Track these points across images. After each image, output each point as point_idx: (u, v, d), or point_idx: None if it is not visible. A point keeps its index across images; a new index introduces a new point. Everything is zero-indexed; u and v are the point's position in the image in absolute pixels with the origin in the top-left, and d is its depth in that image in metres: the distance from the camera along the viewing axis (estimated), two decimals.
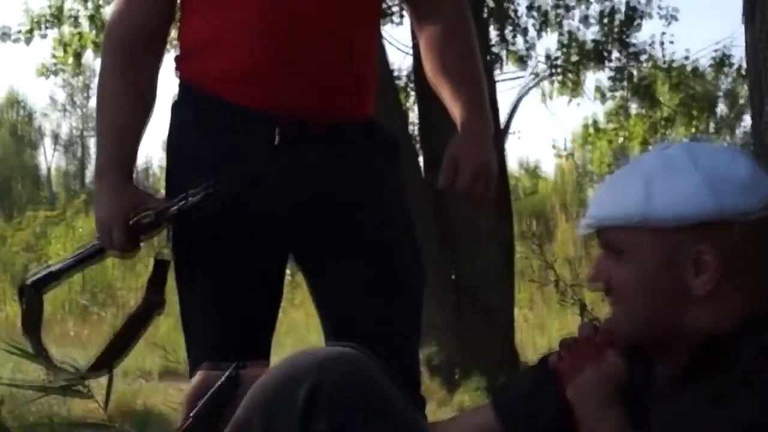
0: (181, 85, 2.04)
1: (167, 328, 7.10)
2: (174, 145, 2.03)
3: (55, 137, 34.67)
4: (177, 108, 2.04)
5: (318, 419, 1.38)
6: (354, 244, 2.04)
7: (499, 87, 6.87)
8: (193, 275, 2.02)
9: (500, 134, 6.30)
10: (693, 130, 8.71)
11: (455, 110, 2.12)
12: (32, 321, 2.01)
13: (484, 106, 2.12)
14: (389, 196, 2.10)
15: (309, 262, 2.08)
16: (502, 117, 6.54)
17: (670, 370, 1.47)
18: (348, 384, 1.41)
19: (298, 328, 8.01)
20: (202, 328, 2.02)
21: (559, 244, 10.65)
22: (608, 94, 7.57)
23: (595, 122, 8.17)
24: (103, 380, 2.75)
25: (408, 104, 6.62)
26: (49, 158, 31.58)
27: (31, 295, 2.01)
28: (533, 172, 15.47)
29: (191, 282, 2.03)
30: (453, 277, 5.91)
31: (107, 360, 1.99)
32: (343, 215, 2.03)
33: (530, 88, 7.40)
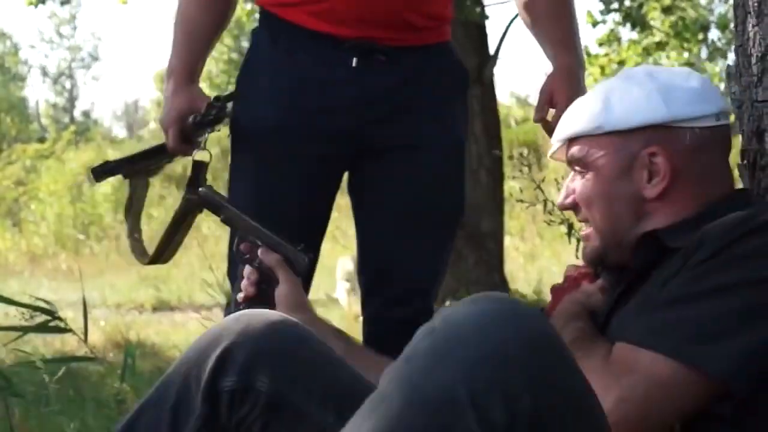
0: (260, 12, 2.12)
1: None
2: (250, 68, 2.10)
3: (43, 70, 34.41)
4: (255, 34, 2.13)
5: (226, 375, 1.35)
6: (409, 175, 2.06)
7: (489, 12, 6.77)
8: (247, 171, 2.08)
9: (489, 60, 6.22)
10: (685, 55, 8.63)
11: (547, 47, 2.12)
12: (132, 205, 2.16)
13: (576, 42, 2.14)
14: (451, 128, 2.11)
15: (363, 183, 2.10)
16: (492, 43, 6.45)
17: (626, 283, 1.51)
18: (268, 347, 1.37)
19: None
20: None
21: (549, 172, 10.63)
22: (600, 19, 7.47)
23: (586, 48, 8.08)
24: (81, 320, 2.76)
25: None
26: (38, 92, 31.36)
27: (136, 181, 2.15)
28: (524, 102, 15.38)
29: (243, 179, 2.08)
30: None
31: (159, 255, 2.09)
32: (406, 142, 2.06)
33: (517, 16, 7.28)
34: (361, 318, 2.18)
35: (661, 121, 1.50)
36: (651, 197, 1.50)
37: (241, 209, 1.82)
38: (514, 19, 6.46)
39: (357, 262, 2.19)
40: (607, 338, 1.43)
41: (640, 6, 7.13)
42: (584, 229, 1.59)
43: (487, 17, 6.40)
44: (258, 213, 1.83)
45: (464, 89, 2.17)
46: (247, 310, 1.48)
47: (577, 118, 1.56)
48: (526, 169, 3.71)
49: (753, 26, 1.64)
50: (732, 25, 1.71)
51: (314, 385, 1.39)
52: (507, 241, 8.88)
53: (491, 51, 6.35)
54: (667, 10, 7.13)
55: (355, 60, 2.02)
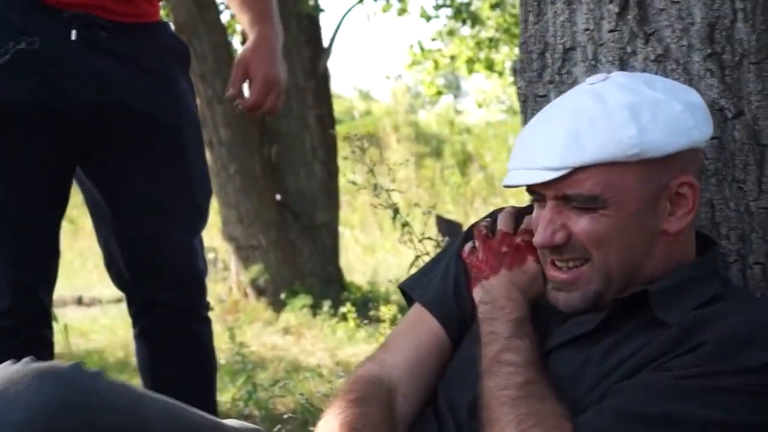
0: None
1: None
2: None
3: None
4: None
5: None
6: (143, 153, 2.03)
7: (324, 4, 6.79)
8: None
9: (323, 53, 6.25)
10: (516, 50, 8.88)
11: (243, 20, 2.11)
12: None
13: (273, 16, 2.11)
14: (179, 106, 2.08)
15: (96, 168, 2.05)
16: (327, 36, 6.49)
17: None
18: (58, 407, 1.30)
19: None
20: None
21: (391, 164, 10.76)
22: (433, 14, 7.61)
23: (420, 43, 8.23)
24: None
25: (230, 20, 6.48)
26: None
27: None
28: (366, 95, 15.53)
29: None
30: (277, 197, 5.89)
31: None
32: (134, 123, 2.01)
33: (353, 7, 7.35)
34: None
35: (697, 145, 1.36)
36: (672, 231, 1.36)
37: None
38: (348, 11, 6.52)
39: (109, 257, 2.15)
40: (549, 375, 1.33)
41: (470, 2, 7.31)
42: (565, 271, 1.38)
43: (321, 10, 6.43)
44: None
45: (187, 66, 2.14)
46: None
47: (597, 140, 1.31)
48: (359, 151, 3.71)
49: (533, 24, 1.72)
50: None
51: None
52: (347, 233, 8.95)
53: (325, 44, 6.38)
54: (495, 6, 7.33)
55: (74, 33, 1.97)
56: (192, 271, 2.10)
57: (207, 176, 2.15)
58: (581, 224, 1.34)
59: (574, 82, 1.64)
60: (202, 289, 2.14)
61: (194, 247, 2.11)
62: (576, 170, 1.31)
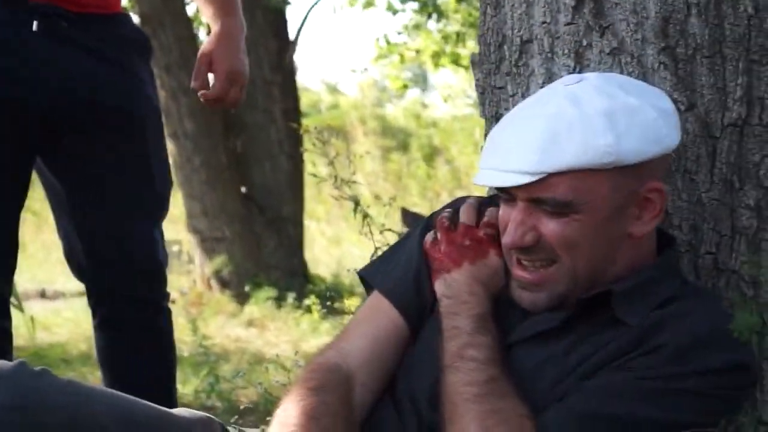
0: None
1: None
2: None
3: None
4: None
5: None
6: (103, 144, 2.03)
7: None
8: None
9: (289, 46, 6.25)
10: None
11: (207, 12, 2.11)
12: None
13: (237, 8, 2.12)
14: (140, 96, 2.08)
15: (57, 159, 2.04)
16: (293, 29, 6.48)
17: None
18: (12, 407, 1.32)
19: None
20: None
21: (357, 158, 10.78)
22: (399, 7, 7.62)
23: (386, 36, 8.22)
24: None
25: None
26: None
27: None
28: (334, 89, 15.51)
29: None
30: (243, 189, 5.88)
31: None
32: (95, 114, 2.01)
33: (319, 0, 7.34)
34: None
35: (668, 151, 1.38)
36: (638, 235, 1.38)
37: None
38: (314, 5, 6.52)
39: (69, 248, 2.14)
40: (510, 371, 1.35)
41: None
42: (532, 272, 1.39)
43: (288, 3, 6.42)
44: None
45: (148, 57, 2.14)
46: None
47: (573, 147, 1.31)
48: (320, 144, 3.70)
49: (491, 17, 1.74)
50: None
51: None
52: (313, 226, 8.95)
53: (292, 37, 6.37)
54: (461, 1, 7.35)
55: (36, 23, 1.95)
56: (152, 262, 2.10)
57: (168, 167, 2.15)
58: (551, 227, 1.35)
59: (531, 74, 1.67)
60: (162, 280, 2.14)
61: (154, 238, 2.11)
62: (550, 175, 1.31)
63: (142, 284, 2.10)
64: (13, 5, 1.95)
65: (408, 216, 6.26)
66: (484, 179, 1.38)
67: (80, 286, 2.27)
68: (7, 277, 2.06)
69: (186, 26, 5.84)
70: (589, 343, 1.35)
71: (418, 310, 1.49)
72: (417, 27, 8.13)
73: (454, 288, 1.43)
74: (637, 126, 1.33)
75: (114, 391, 1.44)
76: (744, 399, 1.41)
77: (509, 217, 1.38)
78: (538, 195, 1.33)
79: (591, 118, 1.32)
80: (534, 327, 1.40)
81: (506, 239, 1.38)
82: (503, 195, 1.40)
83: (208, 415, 1.53)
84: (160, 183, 2.11)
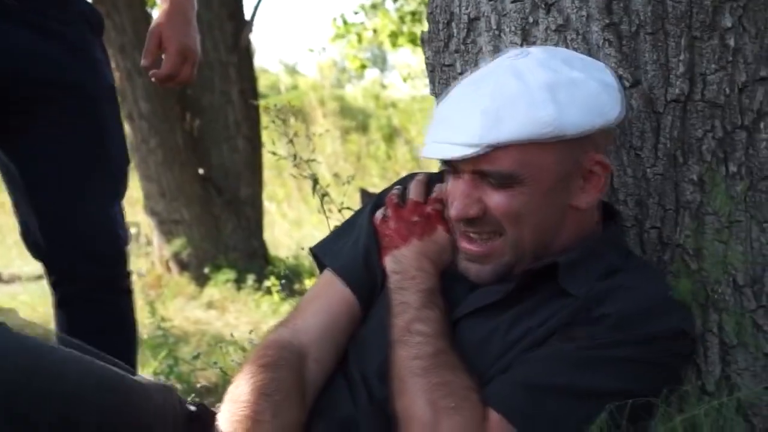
0: None
1: None
2: None
3: None
4: None
5: None
6: (57, 123, 2.01)
7: None
8: None
9: (245, 27, 6.21)
10: None
11: None
12: None
13: None
14: (94, 74, 2.07)
15: (10, 140, 2.03)
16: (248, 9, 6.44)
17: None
18: None
19: None
20: None
21: (316, 139, 10.77)
22: None
23: (342, 16, 8.20)
24: None
25: None
26: None
27: None
28: (293, 70, 15.45)
29: None
30: (200, 171, 5.85)
31: None
32: (48, 93, 1.99)
33: None
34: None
35: (610, 124, 1.39)
36: (582, 207, 1.40)
37: None
38: None
39: (26, 228, 2.12)
40: (457, 344, 1.37)
41: None
42: (478, 243, 1.41)
43: None
44: None
45: (100, 34, 2.13)
46: None
47: (517, 120, 1.33)
48: (279, 122, 3.67)
49: None
50: None
51: None
52: (273, 208, 8.92)
53: (248, 17, 6.33)
54: None
55: None
56: (111, 241, 2.09)
57: (124, 145, 2.14)
58: (497, 200, 1.37)
59: (479, 52, 1.68)
60: (122, 260, 2.13)
61: (113, 216, 2.10)
62: (495, 148, 1.33)
63: (101, 263, 2.08)
64: None
65: (367, 197, 6.26)
66: (429, 152, 1.40)
67: (37, 270, 2.26)
68: None
69: (140, 6, 5.78)
70: (534, 315, 1.38)
71: (369, 287, 1.51)
72: (374, 7, 8.12)
73: (403, 264, 1.45)
74: (579, 98, 1.35)
75: (74, 351, 1.44)
76: (684, 366, 1.44)
77: (456, 190, 1.39)
78: (483, 167, 1.36)
79: (533, 91, 1.34)
80: (480, 300, 1.42)
81: (452, 212, 1.41)
82: (449, 169, 1.42)
83: (167, 384, 1.53)
84: (117, 161, 2.10)
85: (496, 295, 1.41)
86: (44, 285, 2.21)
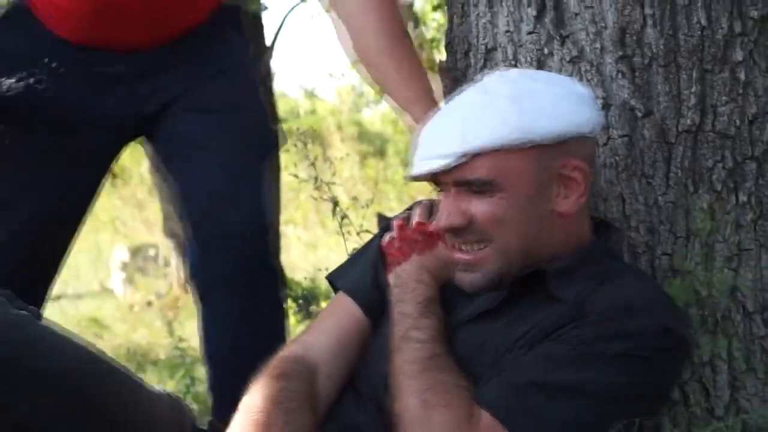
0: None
1: None
2: None
3: None
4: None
5: None
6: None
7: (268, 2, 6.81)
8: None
9: (265, 52, 6.28)
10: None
11: None
12: None
13: None
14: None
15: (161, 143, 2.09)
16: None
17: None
18: None
19: None
20: None
21: (337, 161, 10.80)
22: None
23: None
24: None
25: None
26: None
27: None
28: (311, 94, 15.55)
29: None
30: None
31: None
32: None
33: (295, 6, 7.39)
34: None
35: (583, 131, 1.44)
36: (565, 213, 1.45)
37: None
38: (291, 10, 6.55)
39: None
40: (454, 351, 1.42)
41: (412, 3, 7.37)
42: (468, 252, 1.47)
43: (265, 8, 6.45)
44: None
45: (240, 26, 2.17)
46: None
47: (485, 128, 1.41)
48: (301, 145, 3.69)
49: (458, 25, 1.80)
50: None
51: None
52: (290, 230, 8.97)
53: (268, 43, 6.41)
54: (437, 8, 7.41)
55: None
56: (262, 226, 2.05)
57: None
58: (480, 207, 1.43)
59: None
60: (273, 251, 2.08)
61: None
62: (472, 157, 1.41)
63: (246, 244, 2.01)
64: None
65: (384, 221, 6.30)
66: (414, 170, 1.49)
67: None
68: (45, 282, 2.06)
69: None
70: (526, 320, 1.43)
71: (378, 304, 1.57)
72: None
73: (403, 277, 1.53)
74: (543, 105, 1.41)
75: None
76: (673, 365, 1.46)
77: (443, 203, 1.48)
78: (464, 177, 1.43)
79: (497, 100, 1.42)
80: (476, 308, 1.48)
81: (439, 222, 1.48)
82: (437, 186, 1.49)
83: (178, 397, 1.58)
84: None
85: (492, 302, 1.47)
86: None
